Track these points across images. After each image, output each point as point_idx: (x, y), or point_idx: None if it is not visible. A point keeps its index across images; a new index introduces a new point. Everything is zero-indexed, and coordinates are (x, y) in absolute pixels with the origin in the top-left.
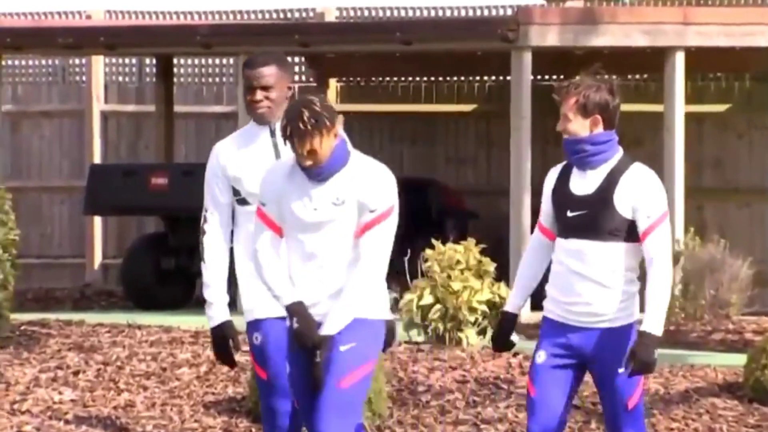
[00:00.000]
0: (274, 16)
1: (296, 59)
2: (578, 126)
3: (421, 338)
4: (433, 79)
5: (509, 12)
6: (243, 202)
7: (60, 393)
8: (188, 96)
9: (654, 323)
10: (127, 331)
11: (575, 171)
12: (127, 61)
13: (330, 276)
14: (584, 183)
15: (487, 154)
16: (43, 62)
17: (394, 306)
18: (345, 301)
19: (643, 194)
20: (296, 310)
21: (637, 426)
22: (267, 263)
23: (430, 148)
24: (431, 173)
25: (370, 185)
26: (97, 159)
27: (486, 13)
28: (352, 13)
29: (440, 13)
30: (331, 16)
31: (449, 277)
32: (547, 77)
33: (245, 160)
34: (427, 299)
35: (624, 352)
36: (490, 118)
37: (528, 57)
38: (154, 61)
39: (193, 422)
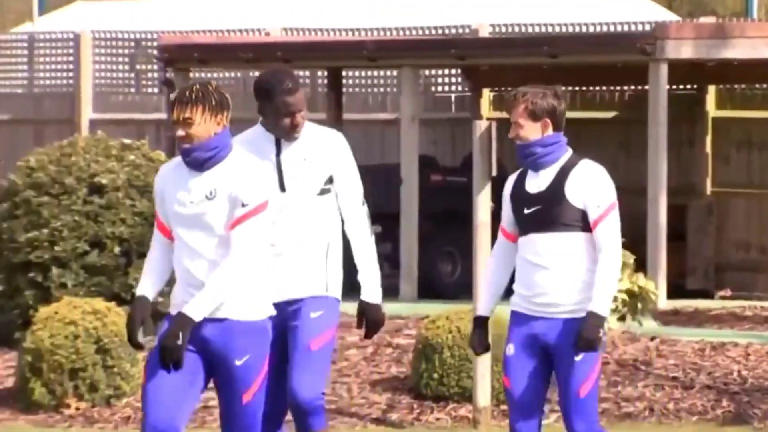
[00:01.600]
0: (433, 32)
1: (453, 71)
2: (530, 130)
3: None
4: (576, 88)
5: (647, 27)
6: None
7: None
8: (356, 104)
9: (600, 305)
10: None
11: (530, 173)
12: (300, 73)
13: (206, 268)
14: (538, 182)
15: (626, 157)
16: (227, 75)
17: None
18: (206, 291)
19: (592, 186)
20: (133, 305)
21: (587, 415)
22: (146, 263)
23: (574, 151)
24: None
25: (244, 179)
26: None
27: (626, 28)
28: (503, 29)
29: (584, 28)
30: (484, 32)
31: None
32: (681, 87)
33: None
34: None
35: (581, 339)
36: (629, 125)
37: (664, 68)
38: (325, 73)
39: (360, 399)
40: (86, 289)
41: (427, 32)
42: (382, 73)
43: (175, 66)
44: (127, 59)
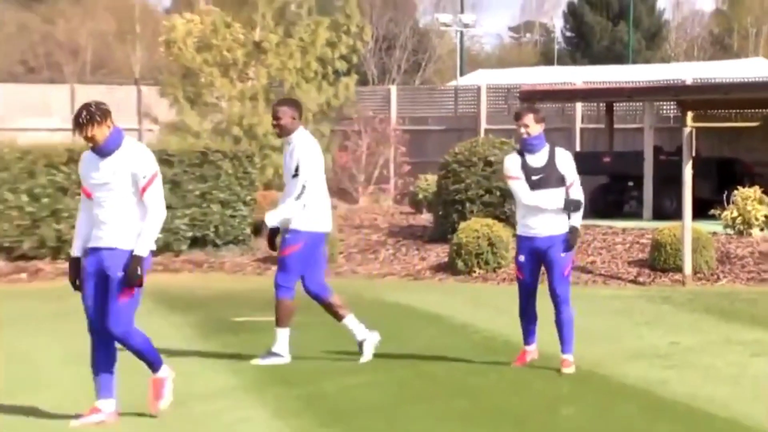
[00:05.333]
0: (662, 82)
1: (672, 103)
2: (535, 129)
3: (729, 231)
4: (736, 111)
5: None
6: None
7: None
8: (621, 120)
9: (576, 222)
10: None
11: (527, 155)
12: (592, 105)
13: (110, 219)
14: (536, 160)
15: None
16: (552, 105)
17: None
18: (145, 234)
19: (567, 161)
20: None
21: (566, 284)
22: (78, 219)
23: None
24: (739, 155)
25: (137, 161)
26: None
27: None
28: (699, 80)
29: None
30: (689, 81)
31: (745, 203)
32: None
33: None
34: (734, 213)
35: (561, 247)
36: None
37: None
38: (603, 105)
39: (622, 270)
40: (483, 213)
41: (658, 82)
42: (633, 104)
43: (528, 100)
44: (502, 98)
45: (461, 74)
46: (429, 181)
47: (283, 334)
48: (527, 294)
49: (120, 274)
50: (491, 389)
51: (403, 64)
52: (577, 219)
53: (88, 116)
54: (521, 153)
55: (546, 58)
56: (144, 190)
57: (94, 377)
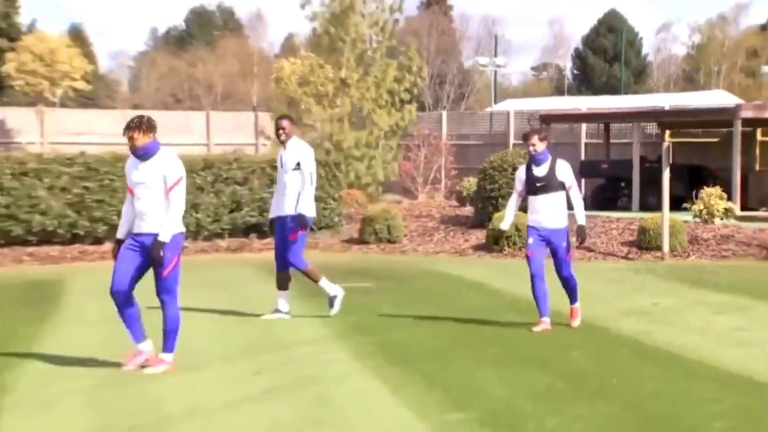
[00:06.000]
0: (645, 107)
1: (654, 124)
2: (540, 147)
3: (697, 220)
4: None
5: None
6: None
7: None
8: (616, 136)
9: (583, 220)
10: None
11: (533, 166)
12: (593, 126)
13: (147, 211)
14: (540, 170)
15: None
16: (562, 126)
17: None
18: (167, 225)
19: (565, 170)
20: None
21: (567, 266)
22: (123, 209)
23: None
24: (705, 163)
25: (168, 167)
26: None
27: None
28: (674, 105)
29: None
30: (666, 107)
31: (710, 199)
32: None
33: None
34: (701, 207)
35: (563, 239)
36: (724, 145)
37: (738, 123)
38: (601, 125)
39: (616, 249)
40: None
41: (643, 108)
42: (625, 125)
43: (545, 122)
44: (526, 120)
45: (495, 102)
46: (471, 183)
47: (325, 282)
48: (535, 268)
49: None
50: (518, 339)
51: (451, 94)
52: (583, 216)
53: (138, 123)
54: (529, 165)
55: (558, 90)
56: (170, 189)
57: (127, 329)
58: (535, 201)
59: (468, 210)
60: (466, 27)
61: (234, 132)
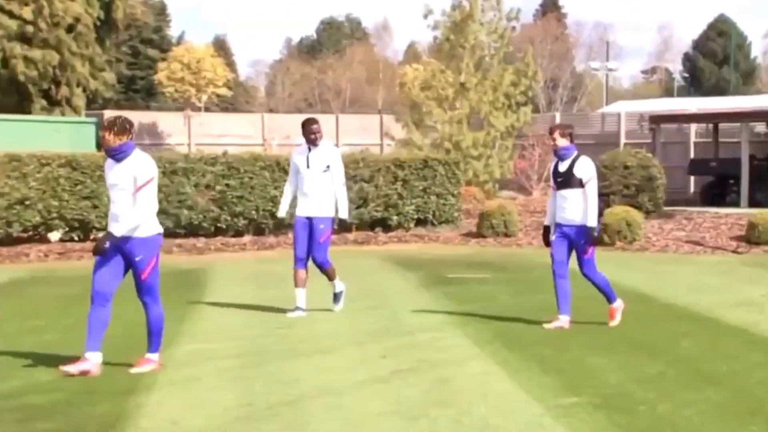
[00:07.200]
0: (759, 107)
1: (764, 123)
2: (561, 142)
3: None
4: None
5: None
6: (297, 170)
7: None
8: (726, 135)
9: (593, 222)
10: None
11: (559, 162)
12: (694, 126)
13: (121, 213)
14: (563, 165)
15: None
16: (671, 126)
17: None
18: (125, 220)
19: (584, 167)
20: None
21: (591, 265)
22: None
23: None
24: None
25: (138, 168)
26: None
27: None
28: None
29: None
30: None
31: None
32: None
33: (298, 156)
34: None
35: (583, 236)
36: None
37: None
38: (710, 125)
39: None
40: (622, 202)
41: (751, 108)
42: (733, 124)
43: (655, 122)
44: (636, 121)
45: (606, 104)
46: None
47: (338, 282)
48: (555, 265)
49: (138, 258)
50: (629, 326)
51: (564, 97)
52: (594, 217)
53: (110, 124)
54: (557, 161)
55: (668, 92)
56: (138, 189)
57: (88, 334)
58: (558, 196)
59: None
60: (579, 33)
61: (361, 133)
